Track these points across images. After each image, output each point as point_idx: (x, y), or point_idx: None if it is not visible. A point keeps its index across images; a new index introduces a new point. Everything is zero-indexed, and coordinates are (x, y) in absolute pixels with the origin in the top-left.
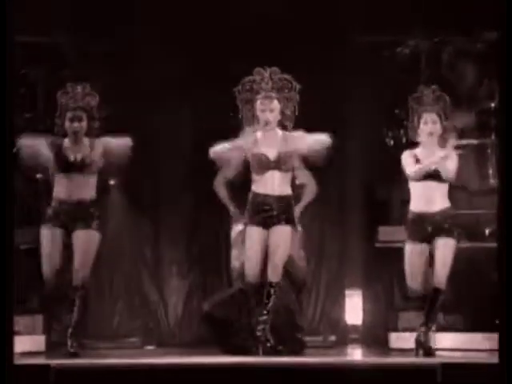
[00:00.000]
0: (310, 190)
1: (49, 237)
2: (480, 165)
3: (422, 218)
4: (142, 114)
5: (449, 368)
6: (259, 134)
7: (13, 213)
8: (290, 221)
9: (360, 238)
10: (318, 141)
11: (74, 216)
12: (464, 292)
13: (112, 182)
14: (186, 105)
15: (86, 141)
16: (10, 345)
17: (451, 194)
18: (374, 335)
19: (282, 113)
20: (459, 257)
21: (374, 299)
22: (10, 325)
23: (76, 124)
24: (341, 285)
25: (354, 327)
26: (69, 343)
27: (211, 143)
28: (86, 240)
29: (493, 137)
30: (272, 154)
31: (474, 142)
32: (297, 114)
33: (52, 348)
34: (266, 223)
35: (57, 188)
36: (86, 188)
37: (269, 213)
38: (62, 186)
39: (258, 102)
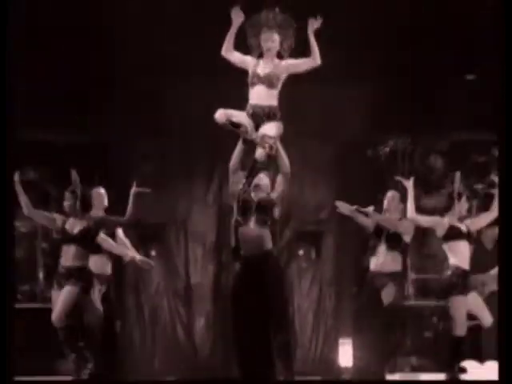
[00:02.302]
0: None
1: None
2: None
3: (464, 274)
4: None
5: None
6: (261, 60)
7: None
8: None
9: (352, 296)
10: (307, 62)
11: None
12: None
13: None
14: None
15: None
16: (9, 362)
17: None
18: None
19: (281, 44)
20: None
21: (364, 346)
22: (10, 341)
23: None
24: (335, 335)
25: (346, 369)
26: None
27: None
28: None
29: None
30: (262, 72)
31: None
32: (293, 46)
33: None
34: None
35: (62, 256)
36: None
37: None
38: (64, 254)
39: (263, 34)
